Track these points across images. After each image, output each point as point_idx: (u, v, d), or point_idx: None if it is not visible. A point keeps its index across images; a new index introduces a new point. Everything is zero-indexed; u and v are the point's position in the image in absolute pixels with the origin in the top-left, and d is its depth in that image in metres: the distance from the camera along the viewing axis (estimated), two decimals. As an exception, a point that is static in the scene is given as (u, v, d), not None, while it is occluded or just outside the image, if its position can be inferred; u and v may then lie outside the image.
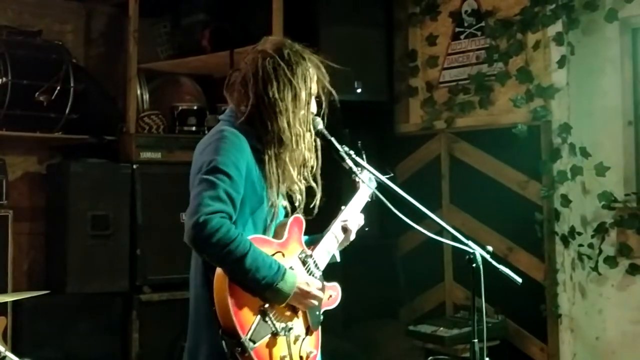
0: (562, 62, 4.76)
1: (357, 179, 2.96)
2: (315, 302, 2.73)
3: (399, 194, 2.79)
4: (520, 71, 4.92)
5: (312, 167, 2.85)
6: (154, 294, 5.08)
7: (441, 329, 4.68)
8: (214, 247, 2.50)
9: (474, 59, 5.20)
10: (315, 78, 2.82)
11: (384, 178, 2.87)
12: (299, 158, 2.79)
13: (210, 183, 2.56)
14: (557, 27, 4.77)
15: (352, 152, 2.88)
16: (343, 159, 2.86)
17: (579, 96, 4.84)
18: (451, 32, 5.34)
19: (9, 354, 3.45)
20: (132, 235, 5.06)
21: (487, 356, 2.75)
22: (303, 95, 2.77)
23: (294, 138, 2.75)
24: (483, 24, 5.16)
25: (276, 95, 2.73)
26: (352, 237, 2.98)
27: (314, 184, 2.86)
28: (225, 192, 2.56)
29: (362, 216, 3.03)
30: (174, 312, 4.96)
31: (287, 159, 2.76)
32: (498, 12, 5.09)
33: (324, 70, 2.86)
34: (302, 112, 2.78)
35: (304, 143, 2.79)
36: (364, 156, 2.93)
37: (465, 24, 5.26)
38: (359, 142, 2.95)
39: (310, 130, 2.82)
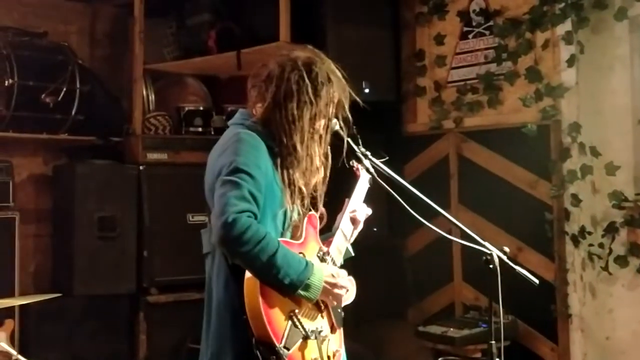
0: (571, 61, 4.73)
1: (360, 171, 2.92)
2: (343, 293, 2.71)
3: (412, 192, 2.78)
4: (529, 70, 4.89)
5: (318, 184, 2.81)
6: (160, 295, 5.07)
7: (451, 329, 4.66)
8: (245, 245, 2.47)
9: (483, 59, 5.17)
10: (336, 101, 2.77)
11: (397, 177, 2.85)
12: (309, 172, 2.74)
13: (234, 184, 2.54)
14: (566, 26, 4.74)
15: (368, 153, 2.86)
16: (360, 160, 2.84)
17: (589, 95, 4.81)
18: (459, 32, 5.32)
19: (20, 357, 3.43)
20: (138, 236, 5.05)
21: (497, 357, 2.73)
22: (321, 119, 2.73)
23: (306, 156, 2.72)
24: (491, 23, 5.14)
25: (294, 112, 2.69)
26: (361, 226, 2.95)
27: (319, 198, 2.83)
28: (249, 192, 2.54)
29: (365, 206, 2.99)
30: (181, 313, 4.96)
31: (298, 174, 2.72)
32: (506, 11, 5.06)
33: (347, 92, 2.80)
34: (319, 134, 2.74)
35: (316, 159, 2.74)
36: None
37: (474, 23, 5.24)
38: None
39: (326, 151, 2.78)
